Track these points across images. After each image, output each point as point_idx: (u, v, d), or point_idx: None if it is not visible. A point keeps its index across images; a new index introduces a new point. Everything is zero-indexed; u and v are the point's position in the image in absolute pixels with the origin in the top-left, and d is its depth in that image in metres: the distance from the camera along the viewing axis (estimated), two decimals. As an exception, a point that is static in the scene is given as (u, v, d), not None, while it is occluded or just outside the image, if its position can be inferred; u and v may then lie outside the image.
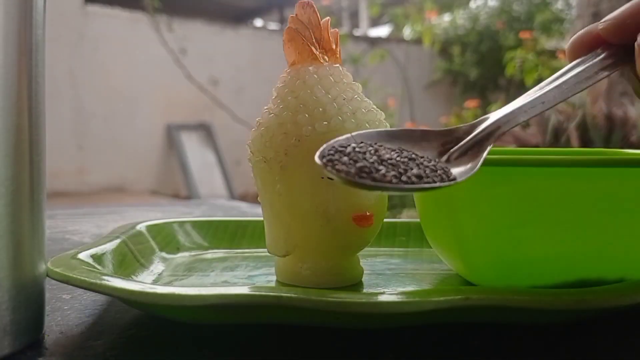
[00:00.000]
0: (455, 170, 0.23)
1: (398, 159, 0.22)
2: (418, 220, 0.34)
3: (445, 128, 0.25)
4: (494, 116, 0.25)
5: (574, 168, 0.26)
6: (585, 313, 0.24)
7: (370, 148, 0.22)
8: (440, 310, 0.22)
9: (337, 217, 0.28)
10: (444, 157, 0.24)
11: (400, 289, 0.30)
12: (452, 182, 0.22)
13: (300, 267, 0.30)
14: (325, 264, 0.30)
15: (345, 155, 0.21)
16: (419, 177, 0.21)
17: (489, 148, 0.24)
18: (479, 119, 0.26)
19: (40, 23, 0.23)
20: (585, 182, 0.26)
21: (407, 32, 4.08)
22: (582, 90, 0.26)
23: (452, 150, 0.24)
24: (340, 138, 0.23)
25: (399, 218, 0.51)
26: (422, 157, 0.23)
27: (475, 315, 0.24)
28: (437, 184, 0.21)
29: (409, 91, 3.48)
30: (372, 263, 0.34)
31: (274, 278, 0.31)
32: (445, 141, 0.25)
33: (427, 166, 0.22)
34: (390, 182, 0.20)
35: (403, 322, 0.24)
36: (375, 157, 0.21)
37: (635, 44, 0.25)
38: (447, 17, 4.13)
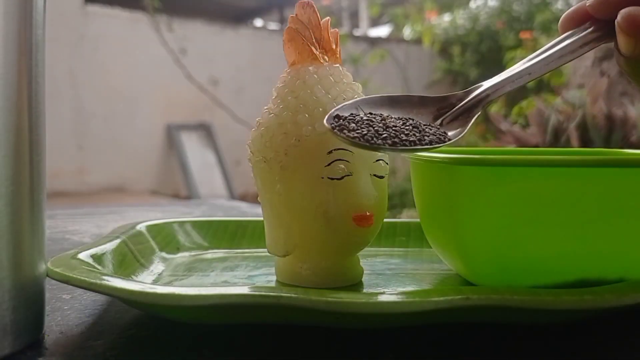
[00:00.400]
0: (449, 134, 0.26)
1: (402, 127, 0.25)
2: (418, 220, 0.34)
3: (441, 95, 0.28)
4: (485, 85, 0.28)
5: (573, 168, 0.26)
6: (585, 313, 0.24)
7: (378, 117, 0.26)
8: (440, 310, 0.22)
9: (337, 217, 0.28)
10: (438, 121, 0.27)
11: (400, 289, 0.30)
12: (442, 144, 0.25)
13: (300, 267, 0.30)
14: (325, 264, 0.30)
15: (354, 123, 0.25)
16: (420, 140, 0.25)
17: (477, 114, 0.27)
18: (472, 87, 0.28)
19: (40, 23, 0.23)
20: (585, 182, 0.26)
21: (407, 32, 4.07)
22: (566, 63, 0.28)
23: (445, 115, 0.27)
24: (347, 103, 0.27)
25: (399, 218, 0.51)
26: (424, 125, 0.26)
27: (475, 315, 0.24)
28: (432, 146, 0.25)
29: (409, 91, 3.47)
30: (372, 263, 0.34)
31: (274, 278, 0.31)
32: (441, 106, 0.28)
33: (427, 132, 0.25)
34: (391, 145, 0.24)
35: (403, 322, 0.24)
36: (381, 125, 0.25)
37: (615, 21, 0.26)
38: (447, 17, 4.13)
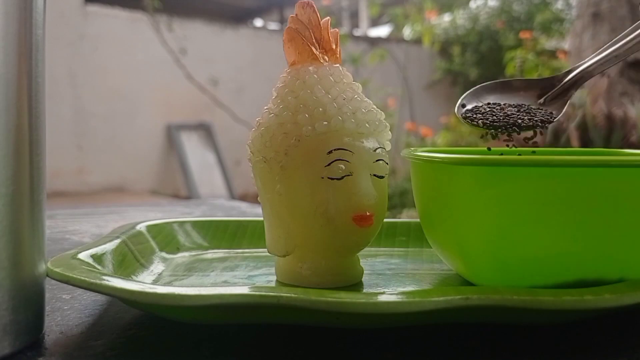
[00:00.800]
0: (549, 110, 0.32)
1: (517, 113, 0.31)
2: (418, 220, 0.34)
3: (545, 77, 0.34)
4: (578, 68, 0.33)
5: (573, 168, 0.26)
6: (585, 313, 0.24)
7: (498, 108, 0.32)
8: (440, 310, 0.22)
9: (337, 217, 0.28)
10: (542, 99, 0.33)
11: (400, 289, 0.30)
12: (547, 125, 0.31)
13: (300, 267, 0.30)
14: (325, 264, 0.30)
15: (479, 114, 0.31)
16: (529, 126, 0.30)
17: (572, 94, 0.33)
18: (568, 70, 0.33)
19: (40, 23, 0.23)
20: (585, 182, 0.26)
21: (407, 32, 4.08)
22: None
23: (547, 94, 0.33)
24: (468, 92, 0.33)
25: (399, 218, 0.51)
26: (535, 109, 0.32)
27: (475, 315, 0.24)
28: (538, 129, 0.31)
29: (409, 91, 3.48)
30: (372, 263, 0.34)
31: (274, 278, 0.31)
32: (543, 86, 0.33)
33: (537, 115, 0.31)
34: (506, 129, 0.30)
35: (403, 322, 0.24)
36: (501, 114, 0.31)
37: None
38: (447, 17, 4.13)
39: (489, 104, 0.32)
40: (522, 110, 0.32)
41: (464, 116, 0.32)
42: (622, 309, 0.24)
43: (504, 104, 0.32)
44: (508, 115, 0.31)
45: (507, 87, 0.34)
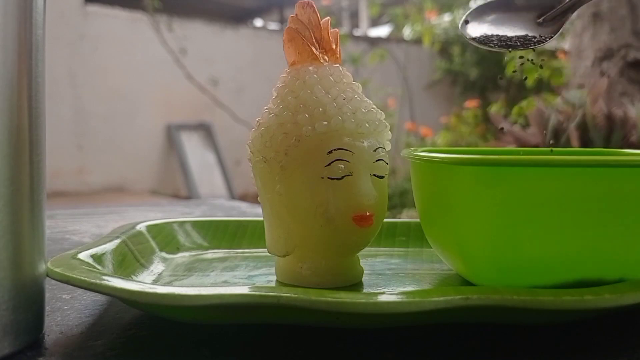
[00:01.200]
0: (546, 31, 0.34)
1: (515, 39, 0.33)
2: (418, 220, 0.34)
3: None
4: None
5: (573, 168, 0.26)
6: (585, 313, 0.24)
7: (506, 38, 0.33)
8: (440, 310, 0.22)
9: (337, 217, 0.28)
10: (540, 19, 0.34)
11: (400, 289, 0.30)
12: (542, 44, 0.33)
13: (300, 267, 0.30)
14: (325, 264, 0.30)
15: (485, 44, 0.33)
16: (523, 44, 0.33)
17: (570, 16, 0.34)
18: None
19: (40, 23, 0.23)
20: (585, 182, 0.26)
21: (407, 32, 4.07)
22: None
23: (546, 15, 0.34)
24: (472, 10, 0.35)
25: (399, 218, 0.51)
26: (532, 37, 0.33)
27: (475, 315, 0.24)
28: (536, 45, 0.33)
29: (409, 91, 3.47)
30: (372, 263, 0.34)
31: (274, 278, 0.31)
32: (544, 6, 0.34)
33: (532, 40, 0.33)
34: (502, 46, 0.33)
35: (403, 322, 0.24)
36: (506, 43, 0.33)
37: None
38: (447, 17, 4.13)
39: (498, 35, 0.34)
40: (526, 39, 0.34)
41: (474, 39, 0.34)
42: (622, 309, 0.24)
43: (512, 37, 0.34)
44: (505, 39, 0.33)
45: (509, 5, 0.35)
